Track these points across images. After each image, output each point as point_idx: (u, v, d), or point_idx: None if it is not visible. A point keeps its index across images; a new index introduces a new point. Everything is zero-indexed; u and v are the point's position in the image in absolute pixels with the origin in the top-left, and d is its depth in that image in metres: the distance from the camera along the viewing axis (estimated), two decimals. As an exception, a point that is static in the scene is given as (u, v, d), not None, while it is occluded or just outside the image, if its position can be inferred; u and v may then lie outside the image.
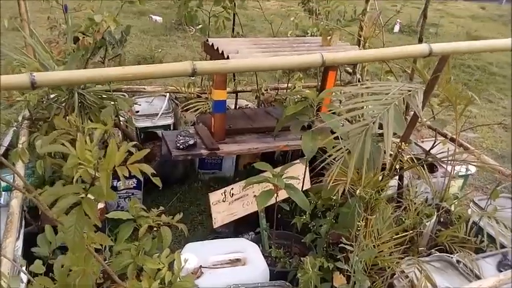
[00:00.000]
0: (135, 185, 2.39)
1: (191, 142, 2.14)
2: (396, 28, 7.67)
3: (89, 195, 0.86)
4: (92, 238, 0.97)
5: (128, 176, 0.90)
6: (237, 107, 3.27)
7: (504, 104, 4.93)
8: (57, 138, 1.46)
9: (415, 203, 2.18)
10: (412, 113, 1.83)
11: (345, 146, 1.37)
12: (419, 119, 1.66)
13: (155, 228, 1.36)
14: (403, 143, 1.69)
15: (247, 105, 3.42)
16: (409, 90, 1.42)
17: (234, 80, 3.32)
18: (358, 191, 1.47)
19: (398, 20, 7.77)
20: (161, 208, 1.56)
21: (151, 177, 0.94)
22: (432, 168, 2.76)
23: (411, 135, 1.96)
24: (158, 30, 6.40)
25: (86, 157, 0.84)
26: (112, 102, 2.25)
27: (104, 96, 2.27)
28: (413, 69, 2.16)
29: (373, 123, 1.32)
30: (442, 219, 2.40)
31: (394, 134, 1.56)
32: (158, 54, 5.25)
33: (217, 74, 1.98)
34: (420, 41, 3.08)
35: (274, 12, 8.14)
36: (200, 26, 3.20)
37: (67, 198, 0.84)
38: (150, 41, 5.70)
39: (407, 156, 2.15)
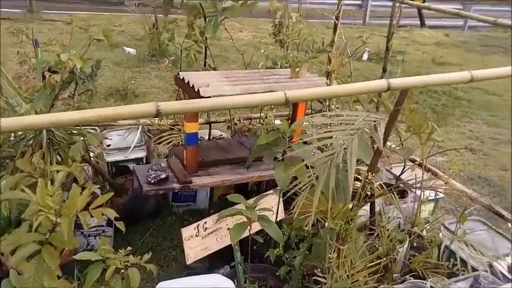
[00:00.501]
0: (106, 222, 2.33)
1: (163, 176, 2.12)
2: (365, 56, 7.93)
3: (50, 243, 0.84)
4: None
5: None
6: (211, 137, 3.28)
7: (470, 127, 5.11)
8: (20, 181, 1.43)
9: (387, 230, 2.21)
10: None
11: (310, 176, 1.39)
12: (384, 147, 1.71)
13: (122, 270, 1.32)
14: (370, 172, 1.73)
15: (221, 135, 3.43)
16: (374, 121, 1.47)
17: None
18: (327, 223, 1.49)
19: (366, 49, 8.05)
20: (132, 246, 1.52)
21: (114, 221, 0.92)
22: (403, 194, 2.82)
23: (381, 161, 2.01)
24: (131, 62, 6.41)
25: (47, 203, 0.82)
26: (81, 138, 2.21)
27: (73, 131, 2.24)
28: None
29: (338, 153, 1.35)
30: (415, 244, 2.43)
31: (362, 162, 1.59)
32: (131, 85, 5.24)
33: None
34: (384, 70, 3.20)
35: (247, 42, 8.33)
36: (172, 58, 3.23)
37: (27, 247, 0.81)
38: (123, 73, 5.70)
39: (377, 183, 2.19)
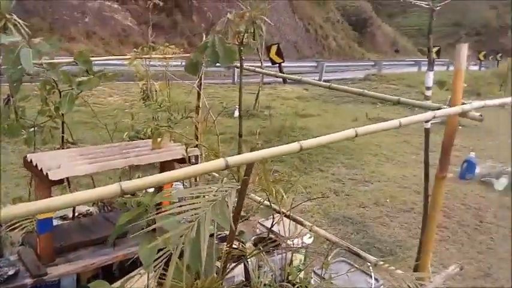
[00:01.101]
0: None
1: (11, 272, 1.88)
2: (236, 113, 8.38)
3: None
4: None
5: None
6: (75, 214, 3.04)
7: (332, 171, 5.67)
8: None
9: (264, 284, 2.27)
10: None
11: (165, 248, 1.39)
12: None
13: None
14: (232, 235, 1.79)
15: (88, 210, 3.20)
16: (226, 190, 1.55)
17: (69, 185, 3.12)
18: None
19: (236, 106, 8.53)
20: None
21: None
22: (278, 245, 2.95)
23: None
24: (-19, 137, 5.72)
25: None
26: None
27: None
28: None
29: (192, 227, 1.38)
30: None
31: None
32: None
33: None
34: (240, 136, 3.36)
35: (117, 106, 8.15)
36: (24, 137, 2.98)
37: None
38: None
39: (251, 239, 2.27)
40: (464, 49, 1.58)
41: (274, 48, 12.40)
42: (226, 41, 1.52)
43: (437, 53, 16.58)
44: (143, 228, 2.04)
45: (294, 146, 1.32)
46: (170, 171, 1.13)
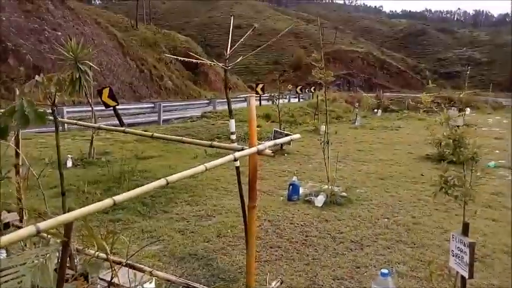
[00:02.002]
0: None
1: None
2: (69, 163, 7.82)
3: None
4: None
5: None
6: None
7: (176, 211, 5.77)
8: None
9: None
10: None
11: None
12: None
13: None
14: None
15: None
16: (47, 254, 1.53)
17: None
18: None
19: (69, 156, 7.97)
20: None
21: None
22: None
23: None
24: None
25: None
26: None
27: None
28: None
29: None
30: None
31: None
32: None
33: None
34: (63, 194, 3.23)
35: None
36: None
37: None
38: None
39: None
40: (253, 100, 1.94)
41: (106, 91, 12.04)
42: (35, 102, 1.52)
43: (262, 89, 18.59)
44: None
45: (160, 181, 1.39)
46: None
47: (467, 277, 2.11)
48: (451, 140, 1.82)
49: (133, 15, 49.17)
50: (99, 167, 8.02)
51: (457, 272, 2.22)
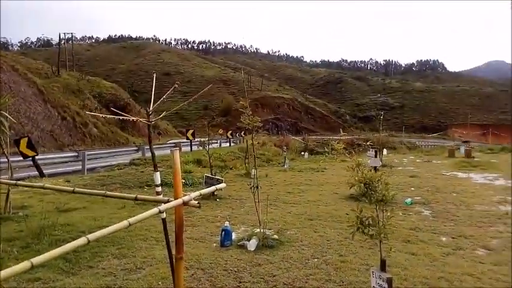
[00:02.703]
0: None
1: None
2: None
3: None
4: None
5: None
6: None
7: (103, 266, 5.46)
8: None
9: None
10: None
11: None
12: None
13: None
14: None
15: None
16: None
17: None
18: None
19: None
20: None
21: None
22: None
23: None
24: None
25: None
26: None
27: None
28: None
29: None
30: None
31: None
32: None
33: None
34: None
35: None
36: None
37: None
38: None
39: None
40: (176, 154, 2.02)
41: (24, 141, 11.33)
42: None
43: (193, 134, 18.65)
44: None
45: (24, 264, 1.30)
46: None
47: (387, 310, 2.27)
48: (362, 184, 2.03)
49: (54, 61, 47.37)
50: (16, 222, 7.39)
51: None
